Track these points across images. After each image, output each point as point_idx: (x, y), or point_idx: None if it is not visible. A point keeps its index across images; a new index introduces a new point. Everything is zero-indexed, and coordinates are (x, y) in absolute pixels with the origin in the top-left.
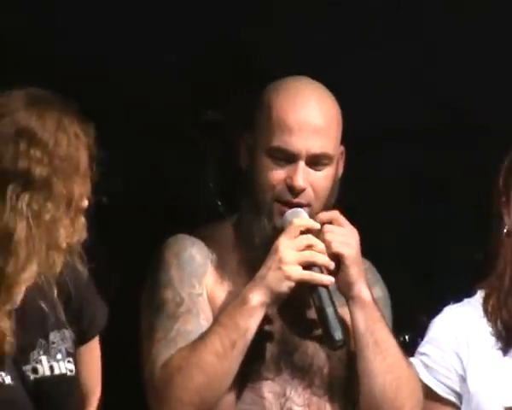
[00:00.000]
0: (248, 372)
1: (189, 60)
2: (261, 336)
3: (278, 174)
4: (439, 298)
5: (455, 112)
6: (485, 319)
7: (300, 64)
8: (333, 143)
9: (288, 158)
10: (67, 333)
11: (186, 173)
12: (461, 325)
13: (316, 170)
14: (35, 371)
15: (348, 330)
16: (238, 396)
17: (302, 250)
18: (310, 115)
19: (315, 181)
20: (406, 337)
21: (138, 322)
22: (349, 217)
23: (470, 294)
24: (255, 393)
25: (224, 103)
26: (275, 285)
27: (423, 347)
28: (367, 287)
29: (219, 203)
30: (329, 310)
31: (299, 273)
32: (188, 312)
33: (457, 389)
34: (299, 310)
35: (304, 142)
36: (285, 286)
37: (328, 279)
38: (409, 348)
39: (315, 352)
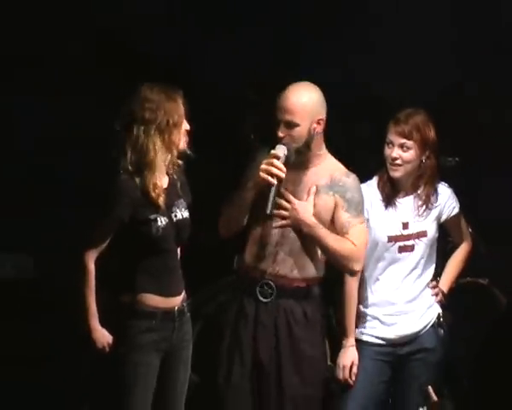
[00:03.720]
0: (265, 217)
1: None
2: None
3: (278, 130)
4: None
5: None
6: (378, 191)
7: None
8: (299, 117)
9: (278, 122)
10: (183, 200)
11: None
12: (367, 193)
13: (290, 128)
14: (175, 216)
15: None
16: (262, 230)
17: (268, 165)
18: (284, 103)
19: (290, 134)
20: None
21: None
22: None
23: (371, 178)
24: (267, 228)
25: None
26: (255, 179)
27: None
28: (308, 224)
29: (257, 145)
30: (271, 195)
31: (262, 176)
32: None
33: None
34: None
35: (281, 115)
36: (259, 179)
37: (273, 181)
38: None
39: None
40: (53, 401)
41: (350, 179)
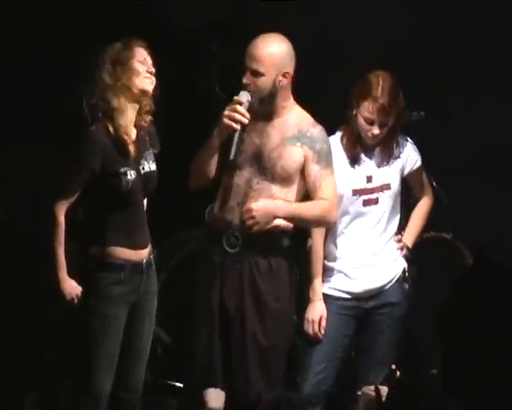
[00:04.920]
0: (236, 166)
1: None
2: (243, 146)
3: (244, 77)
4: None
5: None
6: (341, 146)
7: None
8: (263, 66)
9: (244, 69)
10: (151, 151)
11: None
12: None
13: (256, 77)
14: (143, 168)
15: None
16: (229, 181)
17: (231, 111)
18: (253, 51)
19: (254, 82)
20: None
21: None
22: None
23: (334, 134)
24: (234, 179)
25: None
26: (219, 126)
27: None
28: (279, 208)
29: (221, 95)
30: (235, 141)
31: (225, 122)
32: None
33: None
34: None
35: (248, 62)
36: (223, 126)
37: (236, 127)
38: None
39: (274, 155)
40: (16, 350)
41: (317, 130)
